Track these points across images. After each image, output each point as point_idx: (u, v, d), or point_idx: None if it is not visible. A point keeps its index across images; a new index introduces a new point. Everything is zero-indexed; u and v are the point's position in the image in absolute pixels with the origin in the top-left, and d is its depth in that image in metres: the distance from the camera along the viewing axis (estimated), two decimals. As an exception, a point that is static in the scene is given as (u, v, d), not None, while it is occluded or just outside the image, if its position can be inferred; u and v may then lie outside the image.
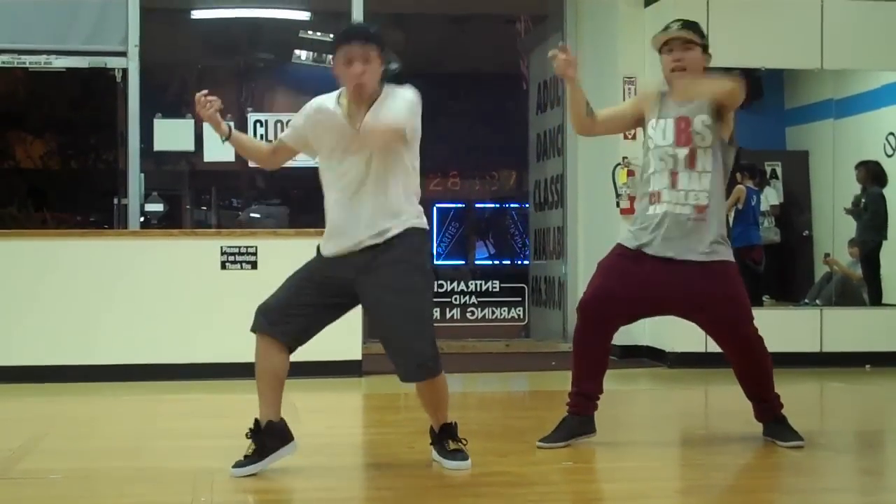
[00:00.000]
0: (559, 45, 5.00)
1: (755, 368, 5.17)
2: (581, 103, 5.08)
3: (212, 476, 4.45)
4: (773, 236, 10.42)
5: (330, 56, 8.65)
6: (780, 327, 8.73)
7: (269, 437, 4.48)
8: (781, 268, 10.46)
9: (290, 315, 4.48)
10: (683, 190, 4.99)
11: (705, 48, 5.16)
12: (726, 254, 5.08)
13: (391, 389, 7.34)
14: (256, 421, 4.49)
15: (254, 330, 4.53)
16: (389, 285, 4.40)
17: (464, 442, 4.68)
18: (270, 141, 4.83)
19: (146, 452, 5.14)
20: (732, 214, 9.84)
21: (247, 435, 4.47)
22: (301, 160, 8.69)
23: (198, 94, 4.59)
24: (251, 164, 8.69)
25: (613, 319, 5.15)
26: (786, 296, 10.20)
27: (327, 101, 4.58)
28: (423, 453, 4.81)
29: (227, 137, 4.71)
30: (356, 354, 7.85)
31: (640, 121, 5.24)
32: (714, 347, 8.31)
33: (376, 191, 4.41)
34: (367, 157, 4.40)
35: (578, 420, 5.14)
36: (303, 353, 7.89)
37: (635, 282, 5.03)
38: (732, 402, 6.41)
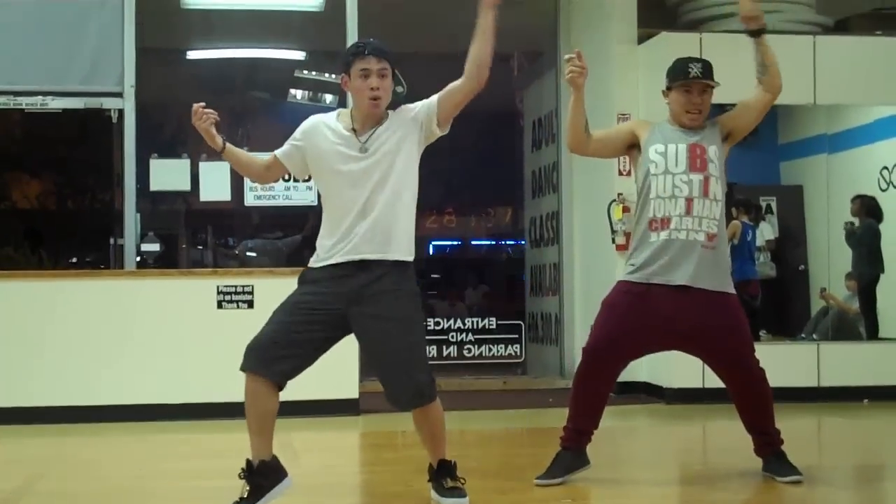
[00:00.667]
0: (575, 51, 5.00)
1: (756, 401, 5.17)
2: (582, 116, 5.07)
3: (210, 516, 4.44)
4: (769, 271, 10.43)
5: (327, 95, 8.59)
6: (777, 362, 8.69)
7: (263, 476, 4.42)
8: (778, 302, 10.47)
9: (281, 354, 4.41)
10: (698, 216, 4.98)
11: (712, 89, 5.22)
12: (731, 285, 5.11)
13: (389, 427, 7.34)
14: (249, 461, 4.44)
15: (244, 369, 4.46)
16: (387, 315, 4.37)
17: (462, 480, 4.65)
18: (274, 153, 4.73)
19: (144, 494, 5.13)
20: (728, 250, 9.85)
21: (240, 476, 4.42)
22: (300, 200, 8.79)
23: (195, 105, 4.51)
24: (247, 203, 8.75)
25: (619, 362, 5.15)
26: (782, 330, 10.20)
27: (327, 118, 4.59)
28: (422, 491, 4.79)
29: (222, 150, 4.62)
30: (353, 393, 7.84)
31: (632, 147, 5.22)
32: (712, 383, 8.28)
33: (383, 208, 4.39)
34: (376, 173, 4.40)
35: (573, 454, 5.13)
36: (300, 392, 7.84)
37: (642, 321, 5.00)
38: (731, 439, 6.39)
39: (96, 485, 5.29)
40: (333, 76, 9.25)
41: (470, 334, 9.94)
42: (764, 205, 10.62)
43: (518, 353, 9.98)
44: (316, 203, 8.70)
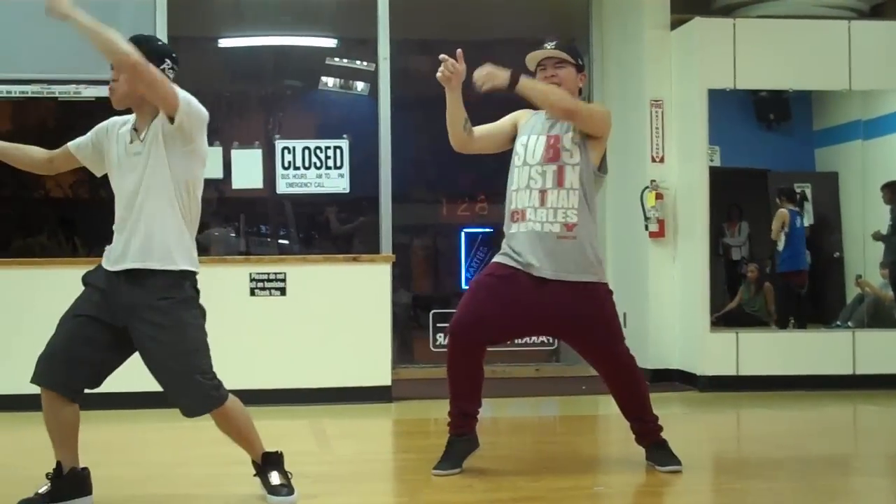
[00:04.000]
0: (457, 51, 4.91)
1: (629, 387, 5.18)
2: (460, 117, 5.03)
3: (245, 503, 4.45)
4: (807, 258, 10.34)
5: (358, 83, 8.51)
6: (813, 350, 8.70)
7: (68, 484, 4.35)
8: (813, 290, 10.38)
9: (75, 365, 4.27)
10: (552, 207, 4.96)
11: (580, 68, 5.16)
12: (598, 274, 5.04)
13: (421, 415, 7.35)
14: (60, 464, 4.36)
15: (35, 383, 4.30)
16: (156, 323, 4.25)
17: (290, 474, 4.57)
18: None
19: (179, 479, 5.15)
20: (783, 239, 9.78)
21: (47, 475, 4.36)
22: (332, 188, 8.80)
23: None
24: (279, 191, 8.75)
25: (484, 340, 5.07)
26: (817, 318, 10.11)
27: (122, 118, 4.50)
28: (455, 479, 4.79)
29: None
30: (386, 380, 7.84)
31: (514, 138, 5.19)
32: (746, 371, 8.28)
33: (145, 214, 4.27)
34: (140, 172, 4.28)
35: (464, 439, 5.11)
36: (333, 379, 7.89)
37: (506, 302, 4.96)
38: (764, 426, 6.37)
39: (131, 470, 5.32)
40: (365, 63, 9.25)
41: (502, 322, 9.90)
42: (798, 192, 10.52)
43: (551, 341, 9.94)
44: (349, 190, 8.72)
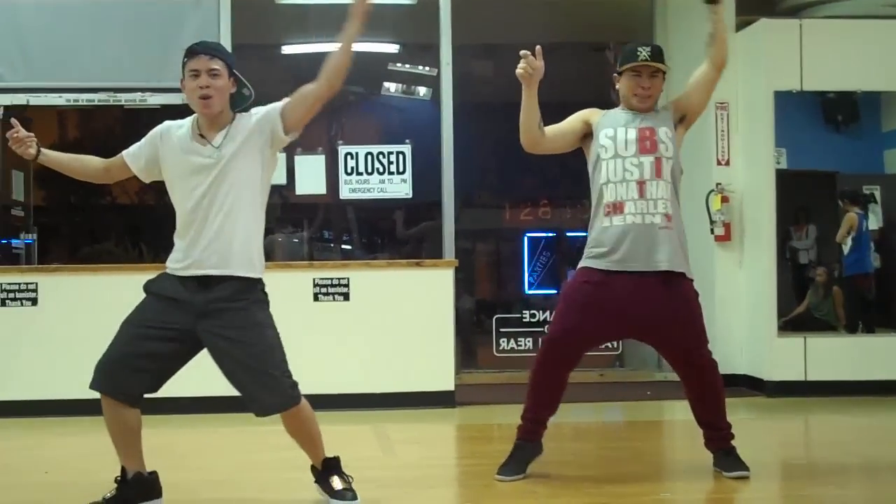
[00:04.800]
0: (536, 48, 4.90)
1: (709, 394, 5.12)
2: (535, 116, 4.99)
3: (307, 508, 4.47)
4: (873, 262, 10.20)
5: (421, 88, 8.53)
6: (883, 354, 8.56)
7: (135, 488, 4.39)
8: (883, 294, 10.23)
9: (134, 371, 4.29)
10: (653, 199, 4.92)
11: (664, 73, 5.18)
12: (686, 267, 5.00)
13: (485, 420, 7.33)
14: (124, 469, 4.40)
15: (93, 388, 4.31)
16: (237, 324, 4.27)
17: (350, 478, 4.57)
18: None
19: (244, 484, 5.18)
20: (849, 243, 9.66)
21: (115, 479, 4.40)
22: (394, 192, 8.80)
23: (12, 133, 4.44)
24: (342, 197, 8.78)
25: (580, 351, 5.08)
26: (888, 322, 9.96)
27: (177, 123, 4.49)
28: (520, 485, 4.77)
29: (35, 158, 4.51)
30: (449, 385, 7.83)
31: (586, 137, 5.16)
32: (814, 376, 8.16)
33: (222, 217, 4.29)
34: (215, 179, 4.30)
35: (531, 446, 5.10)
36: (397, 384, 7.89)
37: (602, 310, 4.94)
38: (833, 432, 6.27)
39: (193, 475, 5.35)
40: (427, 69, 9.25)
41: (566, 326, 9.85)
42: (867, 193, 10.37)
43: (615, 346, 9.89)
44: (411, 195, 8.72)
